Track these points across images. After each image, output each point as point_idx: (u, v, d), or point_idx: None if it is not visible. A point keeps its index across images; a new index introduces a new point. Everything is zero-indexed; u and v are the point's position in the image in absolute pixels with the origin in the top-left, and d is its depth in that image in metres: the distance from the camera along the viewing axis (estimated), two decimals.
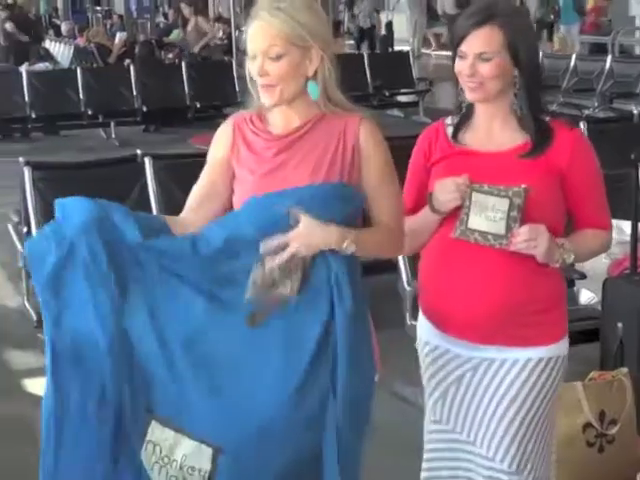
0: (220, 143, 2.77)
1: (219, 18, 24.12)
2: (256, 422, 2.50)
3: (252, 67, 2.64)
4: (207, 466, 2.52)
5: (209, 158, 2.80)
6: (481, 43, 2.72)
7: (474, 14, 2.77)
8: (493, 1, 2.89)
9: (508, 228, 2.70)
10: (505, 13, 2.75)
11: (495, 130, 2.82)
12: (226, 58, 15.10)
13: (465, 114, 2.85)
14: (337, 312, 2.53)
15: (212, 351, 2.54)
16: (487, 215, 2.71)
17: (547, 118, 2.81)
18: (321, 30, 2.65)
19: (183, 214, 2.73)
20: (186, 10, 15.57)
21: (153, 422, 2.55)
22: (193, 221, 2.68)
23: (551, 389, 2.83)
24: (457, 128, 2.86)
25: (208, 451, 2.52)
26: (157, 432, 2.55)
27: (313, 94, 2.65)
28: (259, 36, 2.62)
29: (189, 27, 15.40)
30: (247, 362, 2.53)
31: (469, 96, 2.78)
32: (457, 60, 2.77)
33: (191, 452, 2.53)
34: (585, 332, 4.43)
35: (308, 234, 2.51)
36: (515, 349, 2.79)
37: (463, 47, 2.75)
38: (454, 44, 2.79)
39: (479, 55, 2.72)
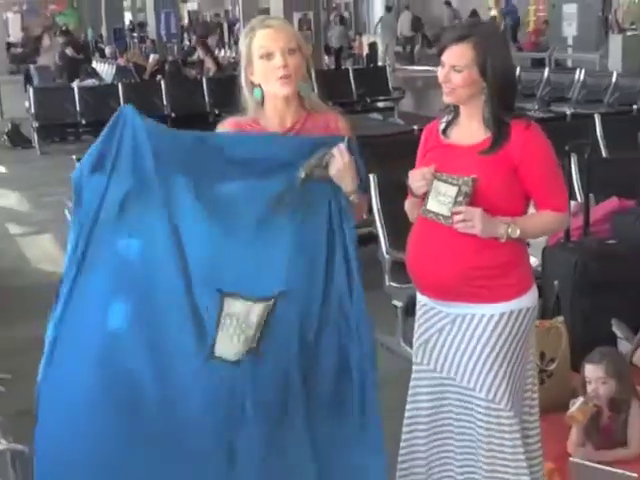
0: None
1: (237, 39, 24.23)
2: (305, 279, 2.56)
3: (267, 64, 2.57)
4: (265, 312, 2.52)
5: None
6: (455, 57, 2.66)
7: (457, 30, 2.72)
8: (476, 22, 2.86)
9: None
10: (481, 34, 2.67)
11: (473, 128, 2.75)
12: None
13: (455, 113, 2.80)
14: (337, 236, 2.57)
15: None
16: (439, 199, 2.68)
17: (509, 119, 2.71)
18: None
19: None
20: (201, 53, 15.84)
21: (225, 299, 2.49)
22: None
23: (517, 335, 2.75)
24: (447, 125, 2.82)
25: (269, 304, 2.52)
26: (231, 306, 2.49)
27: (306, 91, 2.64)
28: (276, 36, 2.57)
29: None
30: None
31: (444, 98, 2.75)
32: (440, 67, 2.72)
33: (262, 310, 2.51)
34: None
35: (348, 168, 2.55)
36: (481, 305, 2.75)
37: (443, 57, 2.70)
38: (438, 52, 2.74)
39: (453, 66, 2.67)
